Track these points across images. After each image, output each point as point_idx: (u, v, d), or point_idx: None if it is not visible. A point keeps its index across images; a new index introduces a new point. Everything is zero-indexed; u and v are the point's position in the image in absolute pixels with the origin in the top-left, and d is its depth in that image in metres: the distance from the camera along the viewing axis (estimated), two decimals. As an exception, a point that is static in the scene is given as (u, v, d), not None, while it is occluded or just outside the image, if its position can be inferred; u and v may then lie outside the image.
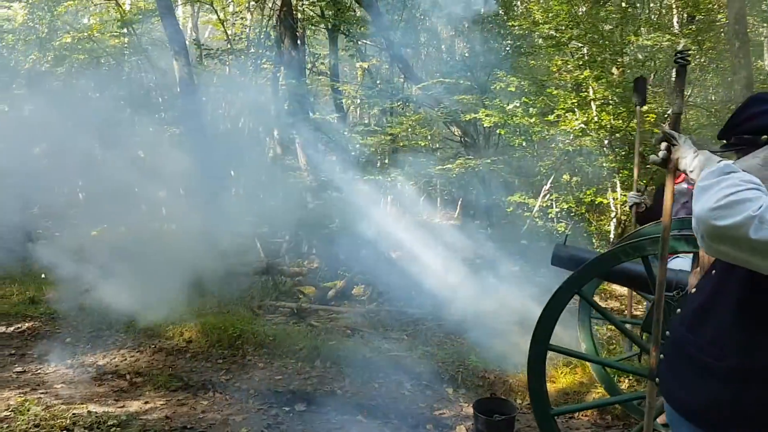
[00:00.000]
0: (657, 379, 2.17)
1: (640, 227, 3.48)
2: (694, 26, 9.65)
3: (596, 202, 7.98)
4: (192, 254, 7.25)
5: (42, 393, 4.43)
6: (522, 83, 8.17)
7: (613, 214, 8.13)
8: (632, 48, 8.61)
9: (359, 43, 10.92)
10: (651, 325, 2.87)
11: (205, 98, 11.43)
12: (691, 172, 1.76)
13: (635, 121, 5.69)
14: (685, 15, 10.28)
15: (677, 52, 2.15)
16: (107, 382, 4.79)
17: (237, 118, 11.00)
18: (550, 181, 8.32)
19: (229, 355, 5.33)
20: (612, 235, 7.96)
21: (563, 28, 8.02)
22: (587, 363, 4.38)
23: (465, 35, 11.59)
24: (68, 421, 3.80)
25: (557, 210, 8.27)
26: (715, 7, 9.83)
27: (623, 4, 8.75)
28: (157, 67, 10.95)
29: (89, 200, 10.70)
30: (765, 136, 1.83)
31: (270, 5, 10.85)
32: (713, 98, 12.19)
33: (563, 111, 7.76)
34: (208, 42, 14.29)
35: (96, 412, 4.01)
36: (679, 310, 1.95)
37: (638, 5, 10.25)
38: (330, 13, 10.36)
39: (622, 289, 6.69)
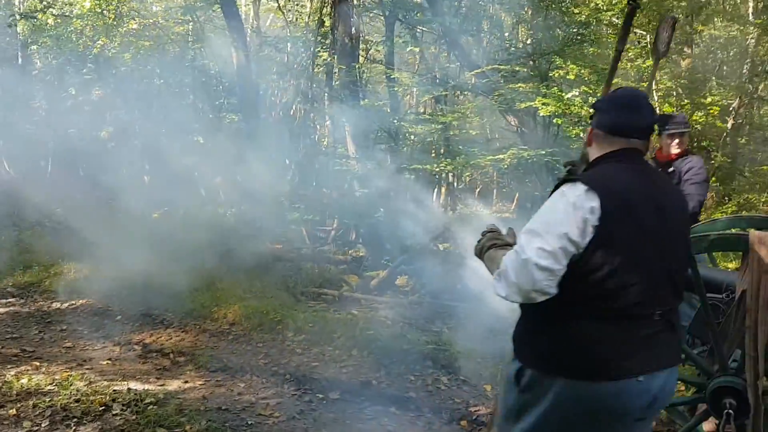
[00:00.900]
0: None
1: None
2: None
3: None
4: (242, 239, 7.41)
5: (87, 369, 4.56)
6: (582, 72, 7.84)
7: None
8: (703, 38, 8.10)
9: (416, 29, 10.76)
10: (698, 328, 2.66)
11: (264, 85, 11.62)
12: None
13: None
14: (761, 4, 9.55)
15: None
16: (151, 360, 4.90)
17: (289, 105, 11.10)
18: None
19: (269, 339, 5.36)
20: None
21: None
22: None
23: (527, 21, 11.24)
24: (108, 398, 3.89)
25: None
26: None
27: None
28: (218, 54, 11.18)
29: (153, 184, 11.14)
30: None
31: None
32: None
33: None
34: (269, 30, 14.50)
35: (136, 389, 4.11)
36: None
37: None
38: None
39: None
